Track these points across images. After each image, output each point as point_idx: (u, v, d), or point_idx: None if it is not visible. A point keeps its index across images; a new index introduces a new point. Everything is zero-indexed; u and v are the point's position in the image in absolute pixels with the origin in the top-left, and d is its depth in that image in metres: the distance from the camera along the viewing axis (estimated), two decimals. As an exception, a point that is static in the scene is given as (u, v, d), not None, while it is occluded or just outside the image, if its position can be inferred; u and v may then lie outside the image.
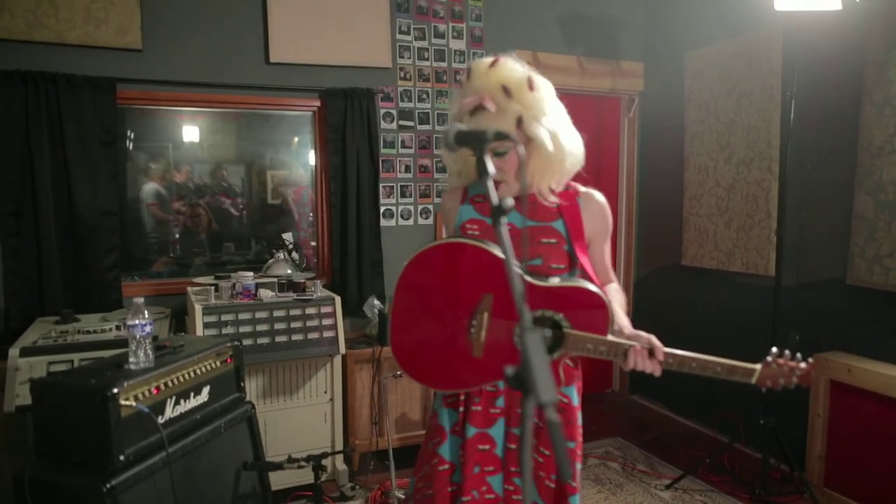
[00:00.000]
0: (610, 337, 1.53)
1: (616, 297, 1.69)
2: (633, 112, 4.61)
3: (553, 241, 1.65)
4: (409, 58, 3.87)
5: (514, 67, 1.58)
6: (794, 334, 3.26)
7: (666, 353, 1.55)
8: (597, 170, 4.67)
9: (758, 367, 1.52)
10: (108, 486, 1.71)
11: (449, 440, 1.71)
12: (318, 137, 3.77)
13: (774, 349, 1.54)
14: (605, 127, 4.67)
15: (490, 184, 1.04)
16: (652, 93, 4.50)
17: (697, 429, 4.09)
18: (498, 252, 1.54)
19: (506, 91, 1.53)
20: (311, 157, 3.87)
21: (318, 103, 3.69)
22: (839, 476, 2.98)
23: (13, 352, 2.49)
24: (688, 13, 4.12)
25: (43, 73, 3.00)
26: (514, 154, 1.57)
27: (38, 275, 3.06)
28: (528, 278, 1.56)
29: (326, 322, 3.05)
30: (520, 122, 1.54)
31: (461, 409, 1.70)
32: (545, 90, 1.60)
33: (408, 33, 3.86)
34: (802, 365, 1.54)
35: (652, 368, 1.57)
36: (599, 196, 1.74)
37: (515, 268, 0.96)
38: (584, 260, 1.64)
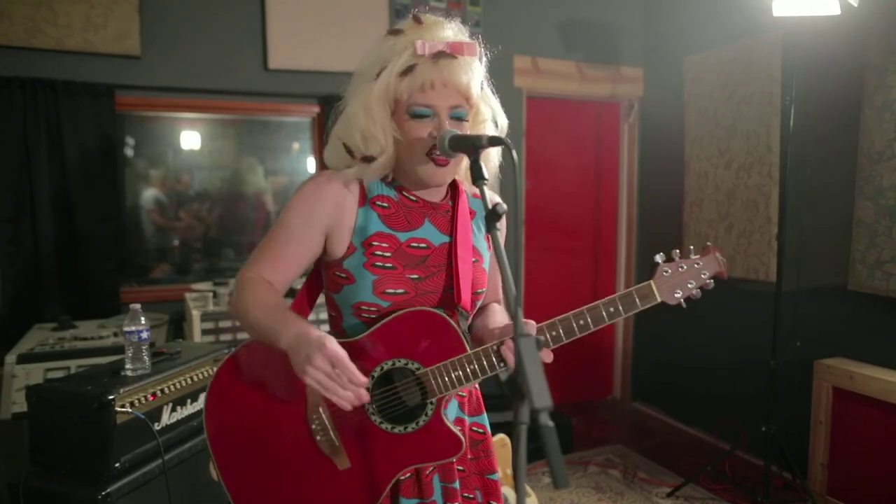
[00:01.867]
0: (470, 351, 1.21)
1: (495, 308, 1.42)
2: (633, 118, 4.61)
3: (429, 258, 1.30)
4: (409, 64, 3.87)
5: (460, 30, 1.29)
6: (796, 340, 3.24)
7: (543, 328, 1.23)
8: (597, 176, 4.67)
9: (651, 282, 1.30)
10: (102, 493, 1.70)
11: None
12: (318, 144, 3.77)
13: (659, 255, 1.33)
14: (604, 133, 4.67)
15: (486, 189, 1.03)
16: (651, 98, 4.50)
17: (698, 436, 4.06)
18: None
19: (470, 49, 1.25)
20: (310, 164, 3.87)
21: (317, 109, 3.69)
22: (842, 484, 2.96)
23: (10, 358, 2.48)
24: (687, 18, 4.12)
25: (42, 79, 3.00)
26: (466, 129, 1.24)
27: (36, 281, 3.06)
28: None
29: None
30: (482, 85, 1.28)
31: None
32: (484, 65, 1.32)
33: (407, 39, 3.85)
34: (696, 258, 1.32)
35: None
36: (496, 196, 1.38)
37: (509, 273, 0.94)
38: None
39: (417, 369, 1.21)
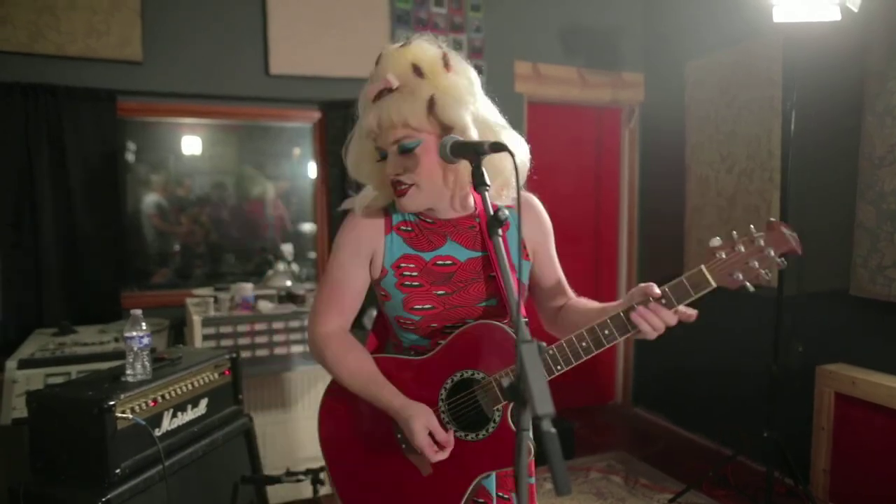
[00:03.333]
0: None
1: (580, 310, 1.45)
2: (634, 123, 4.61)
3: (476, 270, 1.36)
4: (410, 69, 3.88)
5: (427, 46, 1.29)
6: (798, 346, 3.24)
7: (607, 322, 1.26)
8: (597, 181, 4.68)
9: (702, 266, 1.22)
10: (103, 499, 1.69)
11: None
12: (319, 149, 3.78)
13: (716, 238, 1.22)
14: (605, 138, 4.67)
15: (487, 196, 1.03)
16: (652, 103, 4.51)
17: (700, 441, 4.05)
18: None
19: (416, 70, 1.24)
20: (311, 169, 3.87)
21: (318, 115, 3.70)
22: (844, 490, 2.95)
23: (10, 364, 2.48)
24: (688, 24, 4.13)
25: (43, 84, 3.01)
26: (431, 153, 1.23)
27: (37, 286, 3.06)
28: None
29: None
30: (431, 104, 1.22)
31: None
32: (466, 74, 1.30)
33: (408, 45, 3.86)
34: (759, 233, 1.20)
35: (667, 318, 1.26)
36: (533, 198, 1.47)
37: (511, 280, 0.94)
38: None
39: (482, 378, 1.28)
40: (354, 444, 1.41)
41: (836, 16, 2.67)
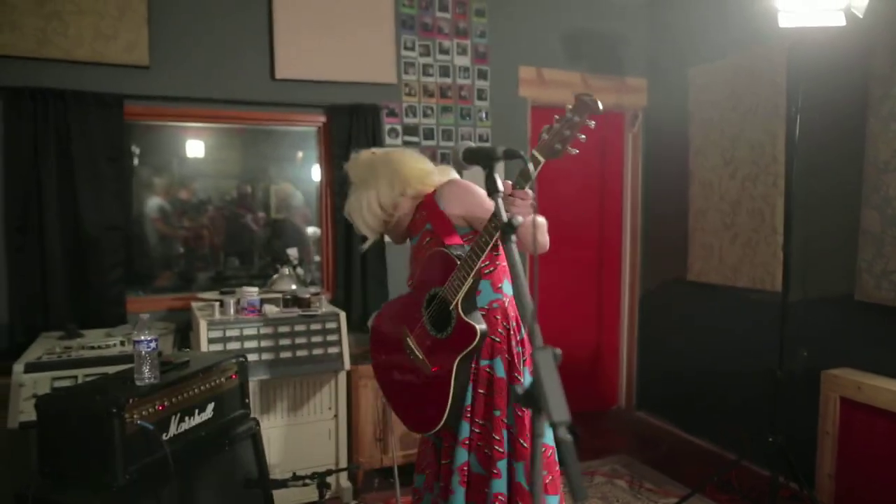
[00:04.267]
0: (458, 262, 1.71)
1: None
2: (637, 127, 4.62)
3: (429, 240, 1.93)
4: (414, 74, 3.90)
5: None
6: (803, 351, 3.23)
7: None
8: (601, 184, 4.68)
9: (533, 151, 1.51)
10: (111, 504, 1.69)
11: None
12: (324, 153, 3.79)
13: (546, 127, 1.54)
14: (609, 142, 4.68)
15: (500, 201, 1.04)
16: (656, 108, 4.52)
17: (704, 446, 4.04)
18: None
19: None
20: (315, 173, 3.88)
21: (323, 119, 3.71)
22: (850, 495, 2.94)
23: (17, 367, 2.48)
24: (691, 29, 4.14)
25: (52, 89, 3.02)
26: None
27: (43, 290, 3.07)
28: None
29: (331, 338, 3.04)
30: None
31: None
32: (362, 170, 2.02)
33: (413, 49, 3.89)
34: (569, 108, 1.50)
35: (519, 195, 1.56)
36: (451, 181, 1.96)
37: (525, 285, 0.95)
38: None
39: (440, 290, 1.79)
40: (387, 344, 2.03)
41: (841, 21, 2.67)
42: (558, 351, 0.89)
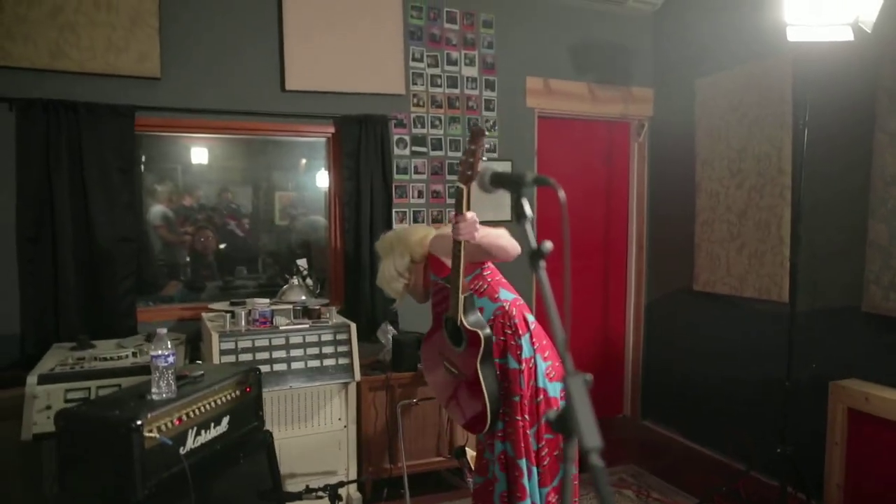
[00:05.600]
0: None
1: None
2: (643, 137, 4.64)
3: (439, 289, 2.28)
4: (423, 85, 3.92)
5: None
6: (810, 362, 3.25)
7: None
8: (607, 194, 4.70)
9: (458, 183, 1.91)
10: (131, 518, 1.70)
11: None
12: (333, 163, 3.81)
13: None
14: (615, 152, 4.70)
15: (528, 227, 1.05)
16: (662, 119, 4.54)
17: (712, 456, 4.05)
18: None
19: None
20: (322, 182, 3.90)
21: (332, 130, 3.73)
22: (858, 506, 2.95)
23: (31, 379, 2.49)
24: (697, 40, 4.16)
25: (64, 101, 3.04)
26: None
27: (55, 301, 3.08)
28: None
29: (342, 349, 3.06)
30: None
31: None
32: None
33: (421, 61, 3.91)
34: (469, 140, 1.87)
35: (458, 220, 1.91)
36: (436, 235, 2.37)
37: (555, 314, 0.96)
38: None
39: (448, 313, 2.14)
40: (432, 367, 2.36)
41: (849, 36, 2.69)
42: (589, 377, 0.91)
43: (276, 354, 2.93)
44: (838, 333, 3.24)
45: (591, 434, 0.87)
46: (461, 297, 2.05)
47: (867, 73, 3.05)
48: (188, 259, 3.80)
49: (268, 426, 2.75)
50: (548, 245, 1.01)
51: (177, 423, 1.92)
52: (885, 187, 2.98)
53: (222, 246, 3.84)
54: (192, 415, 1.99)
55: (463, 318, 2.07)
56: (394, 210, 3.82)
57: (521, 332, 2.15)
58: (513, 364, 2.13)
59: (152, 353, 1.93)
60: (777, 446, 3.07)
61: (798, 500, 3.22)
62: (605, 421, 4.60)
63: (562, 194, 0.98)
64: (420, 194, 3.95)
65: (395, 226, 3.81)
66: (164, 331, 1.96)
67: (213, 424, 2.09)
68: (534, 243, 1.02)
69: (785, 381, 3.08)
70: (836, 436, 3.03)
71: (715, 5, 3.99)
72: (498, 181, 1.14)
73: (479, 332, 2.05)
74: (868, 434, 2.91)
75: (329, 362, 3.02)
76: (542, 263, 1.01)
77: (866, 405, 2.89)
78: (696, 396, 4.21)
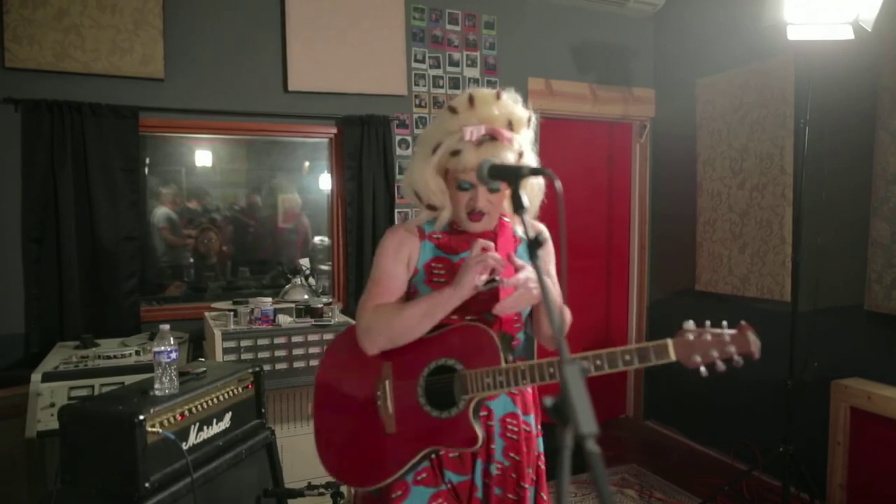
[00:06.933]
0: (503, 364, 1.45)
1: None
2: (645, 138, 4.65)
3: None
4: (425, 85, 3.94)
5: (513, 104, 1.56)
6: (813, 361, 3.24)
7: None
8: (609, 195, 4.71)
9: (668, 340, 1.38)
10: (133, 513, 1.71)
11: (412, 493, 1.58)
12: (335, 164, 3.82)
13: (690, 322, 1.39)
14: (617, 152, 4.71)
15: (527, 218, 1.06)
16: (663, 119, 4.55)
17: (714, 455, 4.04)
18: None
19: (510, 125, 1.51)
20: (326, 183, 3.91)
21: (335, 130, 3.75)
22: (861, 505, 2.94)
23: (35, 377, 2.50)
24: (698, 41, 4.17)
25: (69, 102, 3.06)
26: (504, 192, 1.52)
27: (59, 300, 3.09)
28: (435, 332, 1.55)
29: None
30: (520, 156, 1.52)
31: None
32: (535, 128, 1.63)
33: (423, 62, 3.93)
34: (728, 330, 1.38)
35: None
36: (543, 227, 1.66)
37: (553, 305, 0.97)
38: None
39: (461, 370, 1.49)
40: (339, 393, 1.68)
41: (849, 35, 2.70)
42: (585, 364, 0.92)
43: (279, 353, 2.94)
44: (841, 332, 3.24)
45: (587, 420, 0.88)
46: (503, 389, 1.47)
47: (868, 71, 3.05)
48: (191, 260, 3.81)
49: (270, 424, 2.77)
50: (544, 235, 1.02)
51: (179, 418, 1.93)
52: (886, 186, 2.98)
53: (225, 248, 3.86)
54: (194, 411, 1.99)
55: (475, 402, 1.50)
56: (396, 210, 3.83)
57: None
58: (534, 428, 1.70)
59: (155, 348, 1.94)
60: (780, 446, 3.07)
61: (801, 499, 3.22)
62: (607, 421, 4.66)
63: (558, 184, 0.99)
64: (422, 195, 3.95)
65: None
66: (166, 327, 1.97)
67: (215, 421, 2.10)
68: (531, 234, 1.03)
69: (787, 380, 3.08)
70: (838, 435, 3.02)
71: (715, 6, 4.00)
72: (496, 172, 1.15)
73: (478, 434, 1.48)
74: (871, 433, 2.90)
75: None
76: (541, 253, 1.02)
77: (869, 404, 2.89)
78: (698, 396, 4.20)
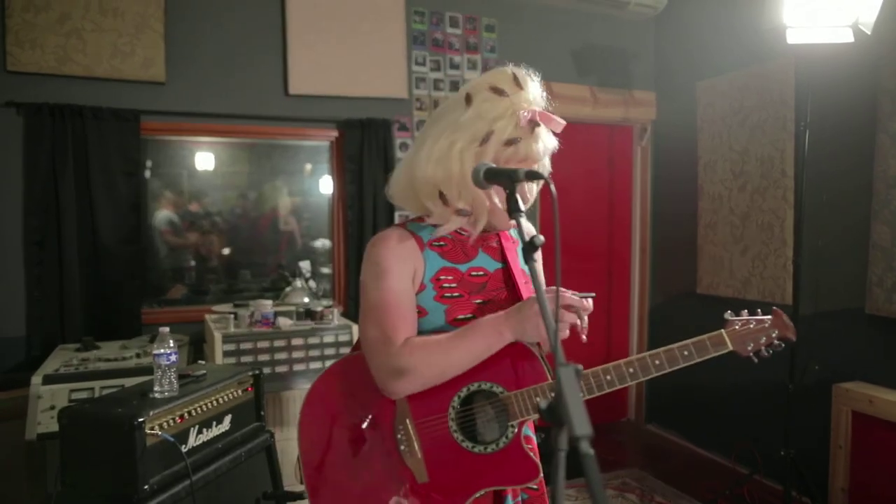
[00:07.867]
0: (551, 380, 1.25)
1: None
2: (646, 141, 4.65)
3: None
4: (425, 88, 3.95)
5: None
6: (814, 364, 3.24)
7: (621, 365, 1.36)
8: (610, 197, 4.71)
9: (723, 331, 1.36)
10: (132, 515, 1.72)
11: None
12: (336, 167, 3.83)
13: (728, 312, 1.40)
14: (617, 155, 4.71)
15: (524, 221, 1.06)
16: (664, 122, 4.55)
17: (716, 459, 4.03)
18: None
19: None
20: (327, 186, 3.92)
21: (335, 133, 3.76)
22: (863, 509, 2.93)
23: (35, 379, 2.51)
24: (698, 44, 4.18)
25: (70, 105, 3.08)
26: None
27: (60, 303, 3.11)
28: None
29: (344, 350, 3.07)
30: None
31: None
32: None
33: (423, 65, 3.94)
34: (766, 317, 1.38)
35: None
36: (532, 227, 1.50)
37: (547, 305, 0.97)
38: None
39: (501, 393, 1.28)
40: (342, 448, 1.35)
41: (849, 38, 2.70)
42: (580, 367, 0.91)
43: (278, 356, 2.95)
44: (842, 336, 3.23)
45: (581, 422, 0.88)
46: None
47: (868, 74, 3.05)
48: (193, 262, 3.82)
49: (269, 427, 2.77)
50: (540, 238, 1.02)
51: (179, 421, 1.93)
52: (887, 189, 2.97)
53: (226, 251, 3.86)
54: (194, 413, 2.00)
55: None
56: (396, 213, 3.84)
57: None
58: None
59: (155, 351, 1.94)
60: (781, 449, 3.06)
61: (802, 503, 3.20)
62: (608, 425, 4.66)
63: (553, 188, 0.99)
64: (423, 198, 3.96)
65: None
66: (166, 329, 1.97)
67: (214, 423, 2.10)
68: (526, 237, 1.03)
69: (788, 383, 3.07)
70: (840, 439, 3.01)
71: (715, 9, 4.00)
72: (492, 176, 1.15)
73: (538, 465, 1.28)
74: (872, 437, 2.89)
75: (331, 364, 3.02)
76: (537, 255, 1.02)
77: (870, 408, 2.88)
78: (699, 400, 4.19)
